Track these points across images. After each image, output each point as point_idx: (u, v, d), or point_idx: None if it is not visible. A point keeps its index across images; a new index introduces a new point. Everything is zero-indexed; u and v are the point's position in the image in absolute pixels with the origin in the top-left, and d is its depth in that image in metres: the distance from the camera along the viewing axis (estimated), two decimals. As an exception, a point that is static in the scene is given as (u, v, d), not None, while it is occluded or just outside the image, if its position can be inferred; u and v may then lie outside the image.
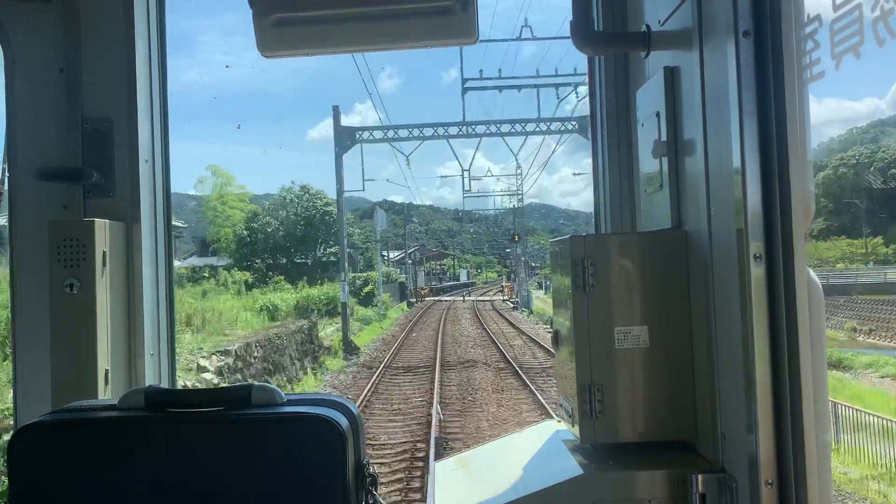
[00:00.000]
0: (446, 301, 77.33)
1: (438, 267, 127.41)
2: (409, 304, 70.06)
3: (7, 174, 2.41)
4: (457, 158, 46.44)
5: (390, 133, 38.80)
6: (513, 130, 38.40)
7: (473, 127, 37.95)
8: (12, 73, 2.38)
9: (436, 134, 38.63)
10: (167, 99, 2.52)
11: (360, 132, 38.67)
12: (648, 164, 2.19)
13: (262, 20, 2.18)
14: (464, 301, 74.78)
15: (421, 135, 38.99)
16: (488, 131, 38.40)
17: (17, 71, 2.39)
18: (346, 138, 37.61)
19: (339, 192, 38.83)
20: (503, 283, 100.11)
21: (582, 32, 2.21)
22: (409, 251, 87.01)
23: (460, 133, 38.34)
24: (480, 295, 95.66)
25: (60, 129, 2.37)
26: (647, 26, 2.20)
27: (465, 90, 36.88)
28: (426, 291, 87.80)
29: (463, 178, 57.56)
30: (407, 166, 50.61)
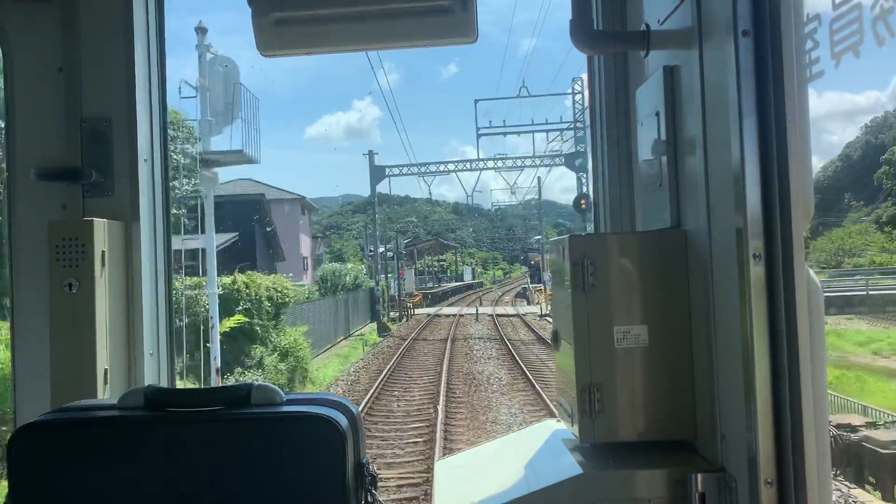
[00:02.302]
0: (448, 317, 47.21)
1: (437, 264, 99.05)
2: (383, 329, 38.78)
3: (6, 174, 2.41)
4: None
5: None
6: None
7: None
8: (11, 73, 2.38)
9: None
10: (166, 98, 2.52)
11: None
12: (648, 163, 2.19)
13: (261, 19, 2.18)
14: (477, 318, 44.34)
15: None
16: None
17: (16, 70, 2.38)
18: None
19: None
20: (527, 285, 73.00)
21: (581, 31, 2.21)
22: (390, 242, 59.04)
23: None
24: (495, 302, 63.93)
25: (59, 128, 2.37)
26: (647, 25, 2.19)
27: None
28: (417, 300, 57.04)
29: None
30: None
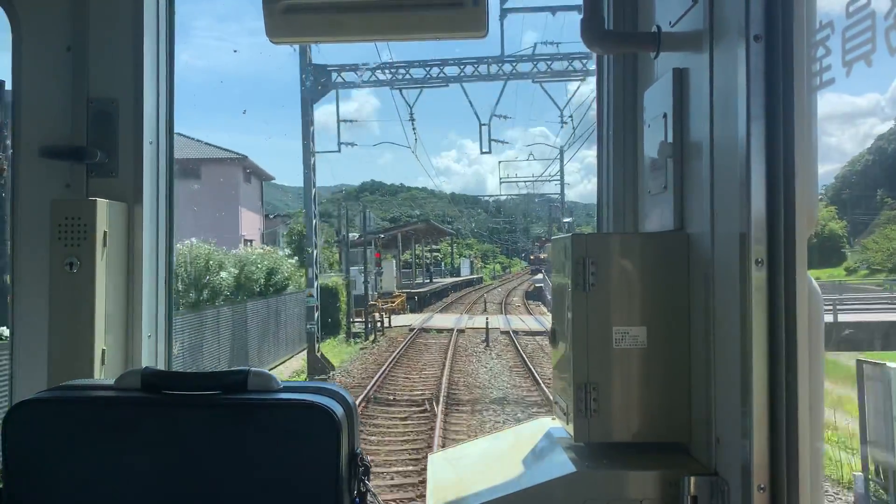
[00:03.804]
0: (441, 333, 30.97)
1: (430, 254, 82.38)
2: (317, 370, 22.40)
3: (11, 151, 2.41)
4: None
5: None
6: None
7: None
8: (20, 51, 2.38)
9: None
10: (174, 81, 2.52)
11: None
12: (653, 164, 2.19)
13: (272, 6, 2.18)
14: (487, 343, 27.42)
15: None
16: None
17: (24, 48, 2.38)
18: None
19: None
20: (542, 283, 57.46)
21: (592, 31, 2.20)
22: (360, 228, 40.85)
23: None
24: (503, 305, 48.23)
25: (66, 107, 2.37)
26: (658, 27, 2.19)
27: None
28: (398, 304, 39.71)
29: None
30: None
